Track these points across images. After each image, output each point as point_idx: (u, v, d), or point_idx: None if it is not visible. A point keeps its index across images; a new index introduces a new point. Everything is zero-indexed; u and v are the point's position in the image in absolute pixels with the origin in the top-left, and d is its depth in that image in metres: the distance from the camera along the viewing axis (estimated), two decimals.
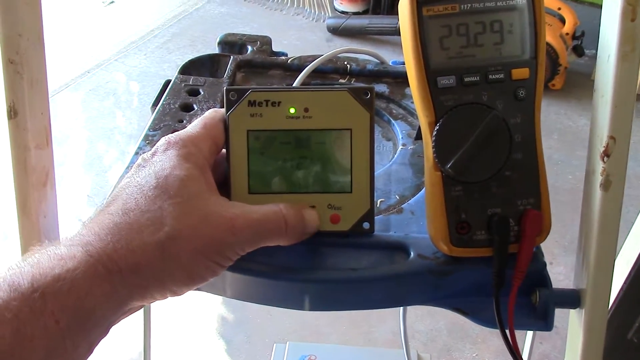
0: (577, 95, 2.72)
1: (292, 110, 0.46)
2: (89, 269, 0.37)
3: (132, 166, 0.45)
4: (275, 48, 0.75)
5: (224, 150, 0.48)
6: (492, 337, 1.62)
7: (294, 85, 0.65)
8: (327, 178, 0.47)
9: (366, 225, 0.48)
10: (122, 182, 0.43)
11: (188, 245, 0.40)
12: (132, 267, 0.38)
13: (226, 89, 0.47)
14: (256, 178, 0.47)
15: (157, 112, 0.62)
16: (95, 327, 0.37)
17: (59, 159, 2.20)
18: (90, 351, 0.38)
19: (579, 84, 2.77)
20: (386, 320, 1.65)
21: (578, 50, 2.57)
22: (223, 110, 0.47)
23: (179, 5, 3.26)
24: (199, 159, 0.44)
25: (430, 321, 1.67)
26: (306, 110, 0.47)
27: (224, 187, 0.47)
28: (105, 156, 2.26)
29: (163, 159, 0.43)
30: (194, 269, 0.40)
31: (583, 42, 2.58)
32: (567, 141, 2.35)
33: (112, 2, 3.25)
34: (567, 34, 2.54)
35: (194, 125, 0.46)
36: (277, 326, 1.64)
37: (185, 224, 0.40)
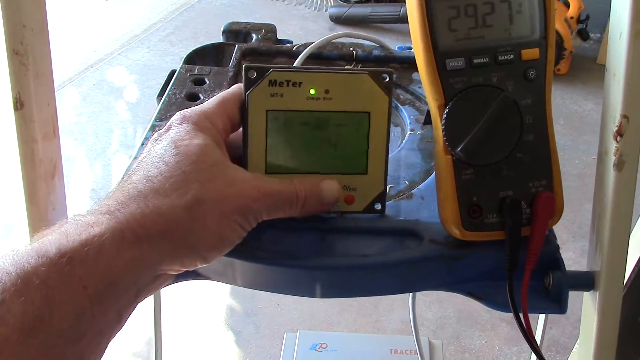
0: (582, 79, 2.71)
1: (312, 92, 0.46)
2: (116, 235, 0.37)
3: (142, 151, 0.45)
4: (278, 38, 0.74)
5: (239, 131, 0.47)
6: (501, 324, 1.61)
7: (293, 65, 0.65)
8: (344, 160, 0.48)
9: (377, 206, 0.49)
10: (140, 156, 0.44)
11: (214, 207, 0.40)
12: (161, 231, 0.38)
13: (245, 67, 0.46)
14: (273, 158, 0.47)
15: (163, 102, 0.62)
16: (124, 294, 0.37)
17: (64, 154, 2.20)
18: (120, 320, 0.38)
19: (585, 68, 2.75)
20: (395, 309, 1.65)
21: (583, 34, 2.55)
22: (242, 87, 0.47)
23: None
24: (214, 134, 0.44)
25: (438, 309, 1.67)
26: (327, 92, 0.46)
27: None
28: (109, 150, 2.26)
29: (179, 130, 0.43)
30: (221, 231, 0.41)
31: (588, 26, 2.57)
32: (574, 126, 2.34)
33: None
34: (571, 17, 2.52)
35: (211, 101, 0.46)
36: (286, 316, 1.64)
37: (210, 188, 0.41)
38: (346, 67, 0.69)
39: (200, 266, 0.42)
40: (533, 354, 0.48)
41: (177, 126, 0.44)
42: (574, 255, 1.77)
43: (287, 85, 0.46)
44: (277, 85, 0.46)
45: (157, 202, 0.39)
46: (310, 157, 0.47)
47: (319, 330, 1.59)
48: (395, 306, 1.65)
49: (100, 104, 2.51)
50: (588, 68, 2.73)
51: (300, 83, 0.46)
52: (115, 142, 2.30)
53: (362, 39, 0.71)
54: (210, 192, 0.41)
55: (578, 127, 2.42)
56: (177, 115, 0.45)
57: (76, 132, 2.32)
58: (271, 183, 0.44)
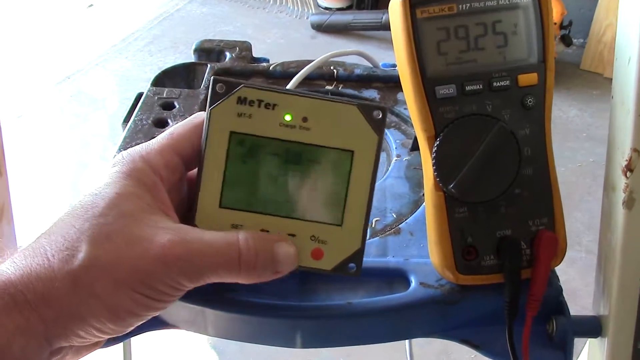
0: (566, 85, 2.69)
1: (287, 117, 0.40)
2: None
3: None
4: (259, 46, 0.70)
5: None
6: None
7: None
8: (316, 204, 0.41)
9: (352, 267, 0.41)
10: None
11: (105, 274, 0.34)
12: (41, 298, 0.33)
13: (214, 79, 0.40)
14: (231, 190, 0.40)
15: (128, 130, 0.57)
16: None
17: (41, 169, 2.15)
18: None
19: (568, 74, 2.73)
20: None
21: (566, 40, 2.54)
22: (204, 114, 0.41)
23: (160, 6, 3.20)
24: (146, 176, 0.38)
25: None
26: (304, 119, 0.40)
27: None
28: (87, 163, 2.20)
29: (104, 176, 0.38)
30: (116, 303, 0.34)
31: (570, 32, 2.55)
32: (558, 132, 2.32)
33: (91, 5, 3.18)
34: (554, 23, 2.50)
35: (160, 135, 0.41)
36: None
37: (104, 249, 0.34)
38: (326, 88, 0.65)
39: (109, 337, 0.36)
40: None
41: (107, 172, 0.38)
42: (562, 266, 1.74)
43: (259, 106, 0.39)
44: (246, 104, 0.39)
45: (38, 264, 0.34)
46: (275, 196, 0.40)
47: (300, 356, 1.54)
48: None
49: (78, 115, 2.45)
50: (571, 74, 2.71)
51: (275, 105, 0.40)
52: (93, 155, 2.24)
53: (351, 54, 0.66)
54: (104, 255, 0.34)
55: (562, 134, 2.40)
56: (115, 157, 0.39)
57: (53, 145, 2.26)
58: (196, 241, 0.36)
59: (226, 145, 0.40)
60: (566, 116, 2.51)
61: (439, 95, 0.40)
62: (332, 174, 0.40)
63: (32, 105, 2.50)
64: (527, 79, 0.41)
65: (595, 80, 2.80)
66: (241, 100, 0.39)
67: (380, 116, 0.40)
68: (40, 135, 2.29)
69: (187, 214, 0.41)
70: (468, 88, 0.40)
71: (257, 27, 2.94)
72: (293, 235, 0.40)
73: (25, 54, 2.86)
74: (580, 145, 2.41)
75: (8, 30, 2.78)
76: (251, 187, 0.40)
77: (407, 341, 0.68)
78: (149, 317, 0.37)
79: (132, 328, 0.36)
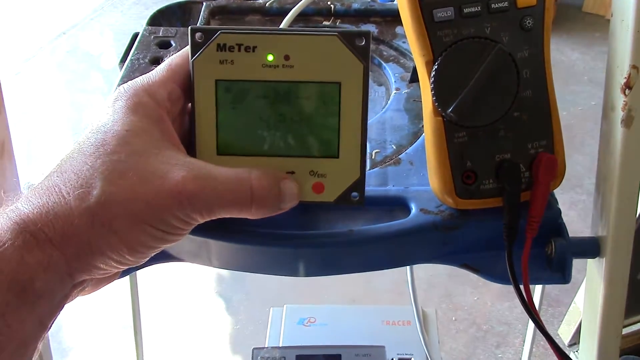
0: (567, 28, 2.66)
1: (269, 58, 0.39)
2: (17, 238, 0.32)
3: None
4: None
5: None
6: None
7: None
8: (311, 140, 0.40)
9: (355, 195, 0.41)
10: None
11: (121, 210, 0.34)
12: (61, 235, 0.33)
13: (191, 29, 0.39)
14: (225, 137, 0.40)
15: (125, 69, 0.57)
16: (40, 301, 0.33)
17: (38, 127, 2.14)
18: (43, 327, 0.34)
19: (570, 17, 2.70)
20: (385, 271, 1.63)
21: None
22: None
23: None
24: (152, 109, 0.38)
25: (429, 267, 1.65)
26: (287, 57, 0.39)
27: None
28: (86, 118, 2.19)
29: (108, 112, 0.38)
30: (132, 238, 0.35)
31: None
32: (560, 77, 2.30)
33: None
34: None
35: (158, 68, 0.40)
36: (275, 281, 1.61)
37: (119, 185, 0.34)
38: (323, 23, 0.64)
39: (127, 267, 0.37)
40: (531, 321, 0.45)
41: (110, 106, 0.38)
42: (564, 208, 1.75)
43: (239, 50, 0.39)
44: (226, 50, 0.39)
45: (55, 202, 0.34)
46: (269, 137, 0.40)
47: (309, 295, 1.57)
48: None
49: (74, 71, 2.43)
50: (573, 17, 2.68)
51: (255, 47, 0.39)
52: (92, 110, 2.23)
53: None
54: (119, 191, 0.34)
55: (564, 78, 2.38)
56: (116, 91, 0.39)
57: (51, 101, 2.25)
58: (209, 177, 0.37)
59: (214, 94, 0.40)
60: (568, 59, 2.49)
61: (436, 18, 0.40)
62: (322, 107, 0.40)
63: (29, 62, 2.48)
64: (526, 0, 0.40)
65: (597, 23, 2.76)
66: (221, 47, 0.39)
67: (364, 42, 0.39)
68: (36, 93, 2.28)
69: (191, 146, 0.41)
70: (466, 10, 0.40)
71: None
72: (292, 172, 0.41)
73: (20, 11, 2.82)
74: (582, 89, 2.40)
75: None
76: (245, 131, 0.40)
77: (409, 284, 0.68)
78: (162, 248, 0.37)
79: (148, 258, 0.37)
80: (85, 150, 0.36)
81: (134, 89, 0.39)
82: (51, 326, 0.34)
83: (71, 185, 0.34)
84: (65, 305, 0.35)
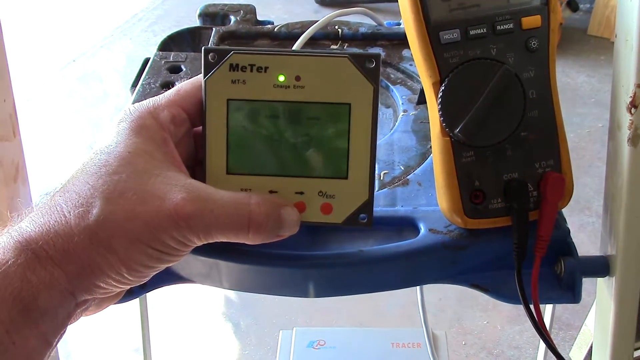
0: (573, 51, 2.67)
1: (281, 78, 0.40)
2: (19, 256, 0.33)
3: None
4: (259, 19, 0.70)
5: None
6: (502, 303, 1.59)
7: None
8: (320, 160, 0.41)
9: (363, 217, 0.41)
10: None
11: (120, 229, 0.35)
12: (61, 253, 0.34)
13: (204, 49, 0.40)
14: (235, 156, 0.41)
15: (136, 93, 0.58)
16: (44, 317, 0.33)
17: (48, 153, 2.16)
18: (48, 345, 0.34)
19: (575, 40, 2.71)
20: (394, 294, 1.62)
21: (572, 5, 2.51)
22: None
23: None
24: (155, 132, 0.39)
25: (438, 291, 1.64)
26: (298, 78, 0.40)
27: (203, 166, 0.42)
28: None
29: (112, 134, 0.38)
30: (130, 257, 0.35)
31: None
32: (567, 99, 2.31)
33: None
34: None
35: (167, 92, 0.41)
36: (284, 305, 1.60)
37: (119, 205, 0.35)
38: (331, 47, 0.65)
39: (128, 287, 0.37)
40: (542, 341, 0.45)
41: (115, 127, 0.39)
42: (573, 231, 1.75)
43: (251, 70, 0.40)
44: (239, 70, 0.40)
45: (56, 220, 0.34)
46: (278, 157, 0.41)
47: (318, 318, 1.56)
48: (395, 291, 1.62)
49: (85, 98, 2.46)
50: (578, 40, 2.69)
51: (266, 68, 0.40)
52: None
53: (355, 13, 0.66)
54: (118, 211, 0.35)
55: (571, 100, 2.38)
56: (123, 111, 0.40)
57: (61, 128, 2.27)
58: (208, 200, 0.37)
59: (225, 113, 0.40)
60: (574, 82, 2.50)
61: (443, 40, 0.40)
62: (332, 128, 0.40)
63: (40, 89, 2.51)
64: (531, 21, 0.41)
65: (603, 46, 2.77)
66: (233, 67, 0.40)
67: (374, 65, 0.40)
68: (46, 120, 2.31)
69: (196, 168, 0.42)
70: (472, 32, 0.40)
71: (260, 2, 2.93)
72: (301, 193, 0.41)
73: (30, 38, 2.86)
74: (588, 111, 2.40)
75: (13, 14, 2.78)
76: (255, 151, 0.41)
77: (420, 305, 0.68)
78: (163, 268, 0.38)
79: (148, 278, 0.38)
80: (88, 171, 0.36)
81: (139, 111, 0.40)
82: (57, 343, 0.35)
83: (72, 204, 0.35)
84: (70, 325, 0.36)
